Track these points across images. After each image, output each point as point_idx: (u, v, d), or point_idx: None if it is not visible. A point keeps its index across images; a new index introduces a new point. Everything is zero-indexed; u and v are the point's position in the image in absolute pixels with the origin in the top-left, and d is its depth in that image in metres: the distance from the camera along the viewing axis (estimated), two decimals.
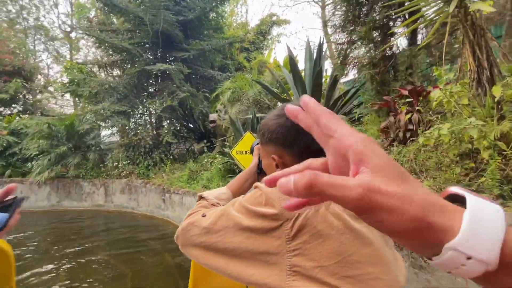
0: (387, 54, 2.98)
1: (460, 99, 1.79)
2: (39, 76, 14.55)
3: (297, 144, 0.62)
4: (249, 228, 0.52)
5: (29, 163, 8.25)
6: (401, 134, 2.56)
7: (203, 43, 7.74)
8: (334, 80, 4.41)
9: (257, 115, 4.54)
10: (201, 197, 0.75)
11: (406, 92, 2.61)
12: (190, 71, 7.15)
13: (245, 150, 4.59)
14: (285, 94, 4.94)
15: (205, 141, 7.60)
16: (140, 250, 4.58)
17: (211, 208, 0.69)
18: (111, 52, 8.32)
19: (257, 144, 0.93)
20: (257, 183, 0.59)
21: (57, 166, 7.31)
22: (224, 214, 0.57)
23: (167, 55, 7.87)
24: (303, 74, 4.90)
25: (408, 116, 2.30)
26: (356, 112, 3.81)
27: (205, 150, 7.33)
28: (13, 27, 15.39)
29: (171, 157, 7.71)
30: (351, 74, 4.03)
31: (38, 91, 12.64)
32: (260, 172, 0.87)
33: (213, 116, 6.55)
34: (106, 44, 7.27)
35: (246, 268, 0.51)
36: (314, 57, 4.56)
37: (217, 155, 5.39)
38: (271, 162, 0.66)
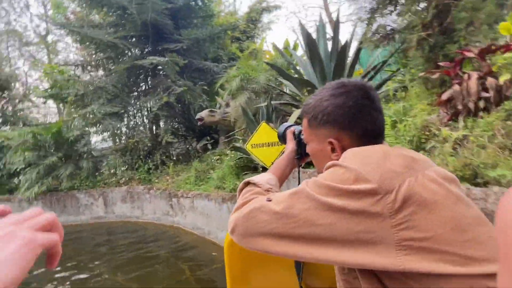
0: (435, 12, 2.51)
1: None
2: (17, 85, 13.54)
3: (357, 126, 0.59)
4: (340, 208, 0.47)
5: (16, 178, 7.52)
6: (471, 105, 2.12)
7: (196, 31, 7.11)
8: (356, 56, 3.94)
9: (272, 103, 4.04)
10: (248, 183, 0.68)
11: (472, 54, 2.16)
12: (185, 62, 6.54)
13: (263, 143, 4.09)
14: (302, 77, 4.44)
15: (208, 138, 7.06)
16: (153, 265, 4.07)
17: (267, 194, 0.61)
18: (94, 51, 7.59)
19: (287, 128, 0.88)
20: (333, 161, 0.54)
21: (47, 179, 6.65)
22: (300, 196, 0.51)
23: (158, 48, 7.21)
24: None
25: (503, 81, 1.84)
26: (389, 87, 3.36)
27: (209, 147, 6.80)
28: None
29: (174, 158, 7.14)
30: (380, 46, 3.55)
31: (17, 100, 11.70)
32: (300, 157, 0.82)
33: (200, 114, 6.02)
34: (89, 41, 6.56)
35: (340, 252, 0.47)
36: (333, 35, 4.06)
37: (229, 151, 4.88)
38: (324, 147, 0.62)
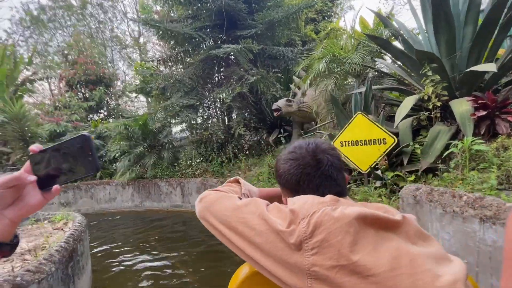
0: None
1: None
2: (118, 83, 15.89)
3: (301, 191, 0.62)
4: (272, 222, 0.53)
5: (114, 164, 8.63)
6: None
7: (271, 13, 6.51)
8: None
9: (372, 88, 3.09)
10: (237, 181, 0.81)
11: None
12: (260, 48, 6.03)
13: (356, 140, 3.22)
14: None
15: (281, 130, 6.49)
16: (224, 264, 3.79)
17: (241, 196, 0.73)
18: (173, 46, 7.88)
19: None
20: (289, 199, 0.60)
21: (136, 167, 7.31)
22: (257, 203, 0.59)
23: (231, 36, 6.92)
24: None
25: None
26: None
27: (283, 141, 6.21)
28: (94, 41, 17.10)
29: (247, 151, 6.88)
30: None
31: (117, 96, 13.62)
32: None
33: (277, 104, 5.45)
34: (168, 35, 6.73)
35: (263, 259, 0.53)
36: None
37: None
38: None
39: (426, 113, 2.78)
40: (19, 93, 14.15)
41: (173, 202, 6.96)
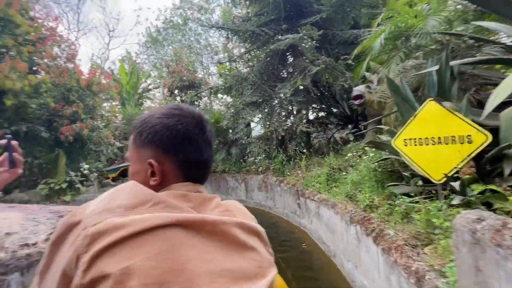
0: None
1: None
2: (211, 85, 17.88)
3: (182, 151, 0.55)
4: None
5: None
6: None
7: None
8: None
9: (450, 63, 2.13)
10: None
11: None
12: (320, 34, 5.39)
13: (426, 137, 2.37)
14: None
15: (350, 126, 5.62)
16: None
17: None
18: (242, 44, 8.08)
19: None
20: None
21: None
22: None
23: (297, 26, 6.48)
24: None
25: None
26: None
27: (351, 139, 5.35)
28: (192, 51, 19.80)
29: (311, 149, 6.34)
30: None
31: (205, 97, 15.32)
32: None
33: (357, 90, 4.51)
34: (233, 35, 6.92)
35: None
36: None
37: (368, 148, 3.37)
38: (144, 169, 0.55)
39: None
40: (140, 100, 18.01)
41: (238, 196, 7.18)
